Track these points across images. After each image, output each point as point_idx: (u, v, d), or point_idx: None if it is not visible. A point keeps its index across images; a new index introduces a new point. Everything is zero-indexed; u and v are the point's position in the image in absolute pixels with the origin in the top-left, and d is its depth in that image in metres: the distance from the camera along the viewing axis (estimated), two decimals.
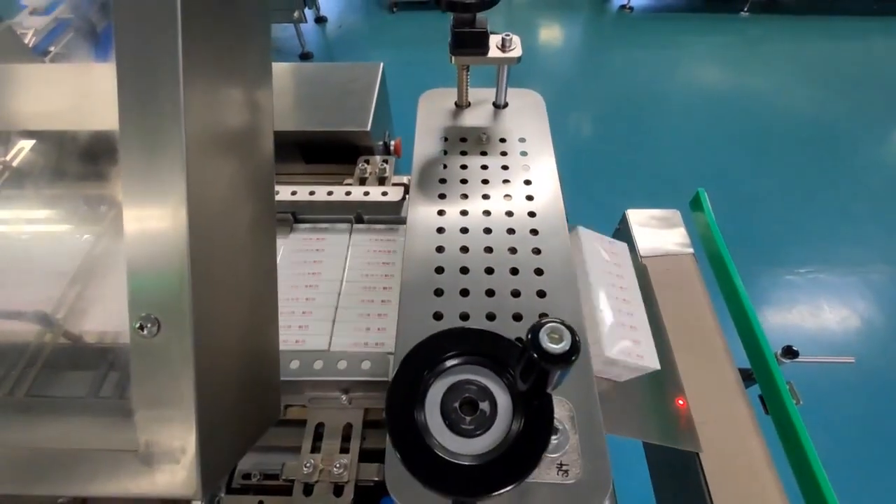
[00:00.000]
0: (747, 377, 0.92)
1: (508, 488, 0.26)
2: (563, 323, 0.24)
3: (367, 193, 0.83)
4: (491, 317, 0.54)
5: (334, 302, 0.73)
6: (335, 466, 0.60)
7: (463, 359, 0.31)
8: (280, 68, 1.10)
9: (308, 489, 0.60)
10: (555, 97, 3.24)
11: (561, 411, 0.36)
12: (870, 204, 2.46)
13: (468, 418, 0.29)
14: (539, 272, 0.58)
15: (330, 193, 0.82)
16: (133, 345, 0.34)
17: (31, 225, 0.77)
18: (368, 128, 0.94)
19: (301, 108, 1.00)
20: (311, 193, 0.83)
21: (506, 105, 0.79)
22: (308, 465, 0.60)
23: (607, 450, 0.46)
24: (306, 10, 3.30)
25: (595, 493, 0.44)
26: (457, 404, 0.29)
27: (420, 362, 0.30)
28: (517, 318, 0.54)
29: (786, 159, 2.67)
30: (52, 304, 0.69)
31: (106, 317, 0.70)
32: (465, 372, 0.31)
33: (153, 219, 0.35)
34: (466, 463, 0.27)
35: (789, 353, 0.88)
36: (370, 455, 0.63)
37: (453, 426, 0.29)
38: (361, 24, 3.84)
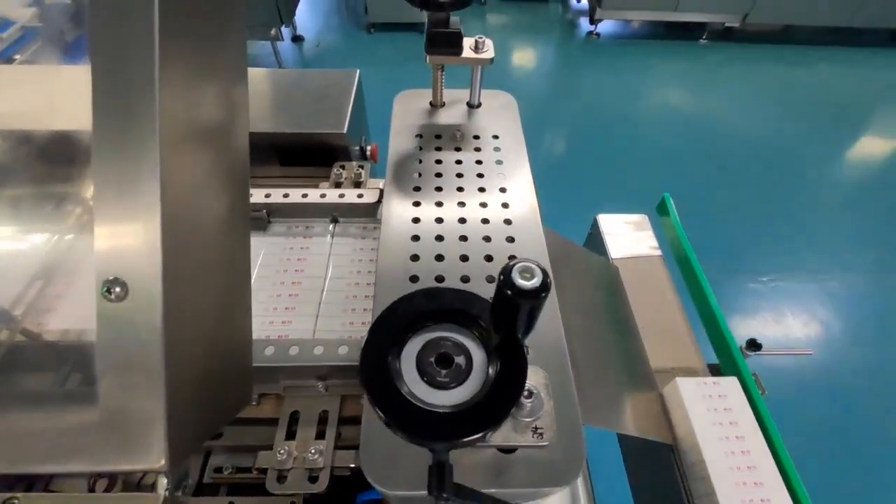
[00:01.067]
0: (716, 372, 0.95)
1: (480, 434, 0.26)
2: (534, 263, 0.25)
3: (342, 196, 0.83)
4: None
5: (318, 298, 0.72)
6: (310, 452, 0.58)
7: (439, 316, 0.32)
8: (257, 73, 1.10)
9: (281, 477, 0.58)
10: (528, 116, 3.31)
11: (535, 378, 0.37)
12: (824, 216, 2.61)
13: (443, 371, 0.29)
14: (513, 258, 0.60)
15: (304, 196, 0.82)
16: (99, 310, 0.33)
17: None
18: (345, 130, 0.96)
19: (277, 111, 1.00)
20: (286, 196, 0.82)
21: (479, 105, 0.82)
22: (282, 451, 0.58)
23: (581, 424, 0.47)
24: (283, 29, 3.34)
25: (570, 465, 0.44)
26: (432, 359, 0.30)
27: (396, 319, 0.31)
28: None
29: (745, 175, 2.81)
30: (11, 300, 0.66)
31: (65, 316, 0.67)
32: (441, 329, 0.32)
33: (126, 191, 0.34)
34: (441, 411, 0.27)
35: (753, 345, 0.91)
36: (347, 445, 0.61)
37: (429, 379, 0.29)
38: (339, 44, 3.90)
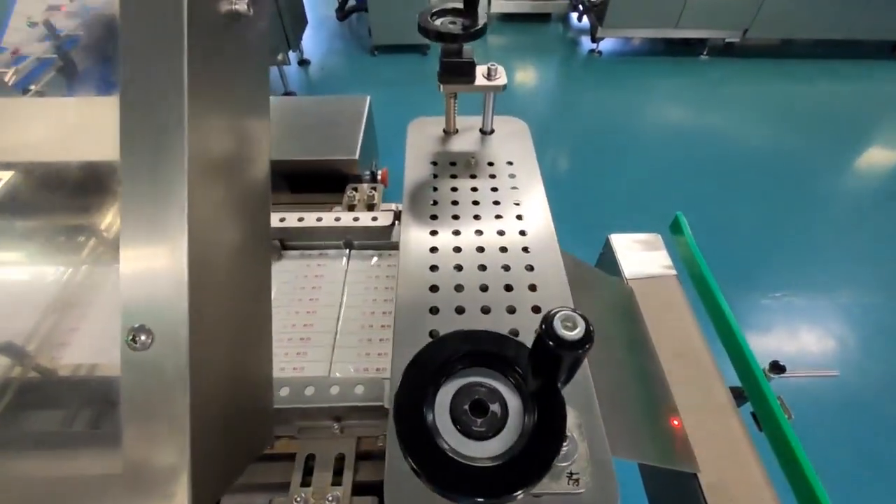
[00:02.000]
0: (738, 395, 0.92)
1: (522, 490, 0.25)
2: (575, 311, 0.24)
3: (356, 219, 0.83)
4: None
5: (333, 327, 0.71)
6: (327, 500, 0.56)
7: (471, 360, 0.30)
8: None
9: None
10: (532, 134, 3.34)
11: (568, 419, 0.36)
12: (831, 231, 2.59)
13: (479, 420, 0.28)
14: (533, 288, 0.59)
15: (319, 220, 0.82)
16: (123, 359, 0.33)
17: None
18: (357, 156, 0.96)
19: (289, 139, 1.01)
20: (300, 220, 0.82)
21: (492, 131, 0.82)
22: (298, 499, 0.56)
23: (612, 462, 0.45)
24: (290, 53, 3.40)
25: None
26: (466, 406, 0.29)
27: (427, 365, 0.30)
28: (514, 333, 0.54)
29: (750, 191, 2.80)
30: (24, 336, 0.65)
31: (80, 350, 0.66)
32: (473, 374, 0.30)
33: (152, 233, 0.34)
34: (478, 465, 0.26)
35: (776, 368, 0.89)
36: (364, 488, 0.60)
37: (464, 429, 0.28)
38: (343, 67, 3.96)
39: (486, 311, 0.57)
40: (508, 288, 0.59)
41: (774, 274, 2.34)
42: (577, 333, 0.24)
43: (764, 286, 2.29)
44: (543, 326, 0.24)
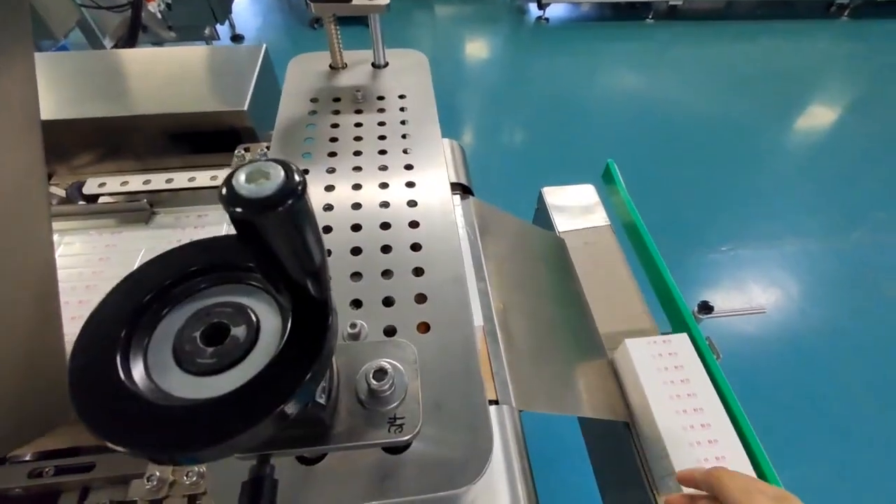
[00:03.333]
0: None
1: (248, 428, 0.17)
2: (278, 160, 0.16)
3: None
4: (357, 303, 0.45)
5: None
6: (186, 475, 0.48)
7: (217, 277, 0.22)
8: (146, 53, 0.98)
9: None
10: (482, 105, 3.28)
11: (398, 353, 0.28)
12: (776, 183, 2.64)
13: (209, 350, 0.20)
14: (416, 247, 0.50)
15: (192, 179, 0.72)
16: None
17: None
18: (245, 108, 0.85)
19: (168, 91, 0.88)
20: (169, 181, 0.71)
21: (386, 64, 0.73)
22: (152, 478, 0.48)
23: (487, 411, 0.38)
24: (219, 27, 3.16)
25: (472, 461, 0.36)
26: (196, 335, 0.20)
27: (145, 286, 0.21)
28: (387, 302, 0.45)
29: (700, 151, 2.82)
30: None
31: None
32: (221, 294, 0.22)
33: None
34: (181, 405, 0.18)
35: (705, 308, 0.86)
36: None
37: (187, 365, 0.20)
38: (283, 42, 3.74)
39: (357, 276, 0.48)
40: (386, 249, 0.50)
41: (722, 230, 2.37)
42: (267, 186, 0.16)
43: (712, 242, 2.32)
44: (223, 189, 0.16)
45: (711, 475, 0.43)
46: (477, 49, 3.83)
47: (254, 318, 0.21)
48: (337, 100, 0.66)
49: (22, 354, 0.36)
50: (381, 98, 0.67)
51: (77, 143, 0.84)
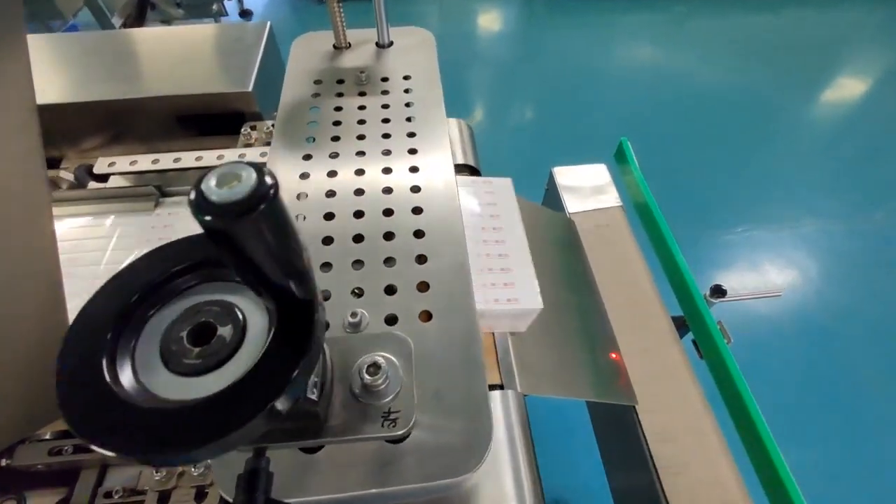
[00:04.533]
0: (680, 324, 0.88)
1: (236, 431, 0.17)
2: (251, 164, 0.16)
3: (242, 156, 0.72)
4: (359, 292, 0.44)
5: None
6: (194, 467, 0.49)
7: (205, 274, 0.22)
8: (151, 32, 0.97)
9: (164, 497, 0.50)
10: (491, 80, 3.20)
11: (394, 347, 0.28)
12: (795, 162, 2.55)
13: (195, 350, 0.20)
14: (419, 234, 0.49)
15: (199, 159, 0.71)
16: None
17: None
18: (250, 88, 0.84)
19: (173, 72, 0.87)
20: (177, 160, 0.71)
21: (391, 44, 0.71)
22: (161, 469, 0.49)
23: (487, 399, 0.38)
24: (226, 3, 3.12)
25: (472, 450, 0.36)
26: (183, 335, 0.20)
27: (131, 286, 0.21)
28: (389, 291, 0.44)
29: (716, 127, 2.73)
30: None
31: None
32: (209, 291, 0.22)
33: None
34: (169, 407, 0.18)
35: (718, 292, 0.85)
36: None
37: (174, 366, 0.20)
38: (289, 18, 3.67)
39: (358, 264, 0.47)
40: (389, 236, 0.49)
41: (738, 210, 2.31)
42: (235, 190, 0.15)
43: (727, 223, 2.26)
44: (192, 193, 0.16)
45: None
46: (486, 22, 3.72)
47: (240, 317, 0.21)
48: (341, 81, 0.65)
49: (32, 342, 0.37)
50: (385, 80, 0.66)
51: (86, 126, 0.85)
